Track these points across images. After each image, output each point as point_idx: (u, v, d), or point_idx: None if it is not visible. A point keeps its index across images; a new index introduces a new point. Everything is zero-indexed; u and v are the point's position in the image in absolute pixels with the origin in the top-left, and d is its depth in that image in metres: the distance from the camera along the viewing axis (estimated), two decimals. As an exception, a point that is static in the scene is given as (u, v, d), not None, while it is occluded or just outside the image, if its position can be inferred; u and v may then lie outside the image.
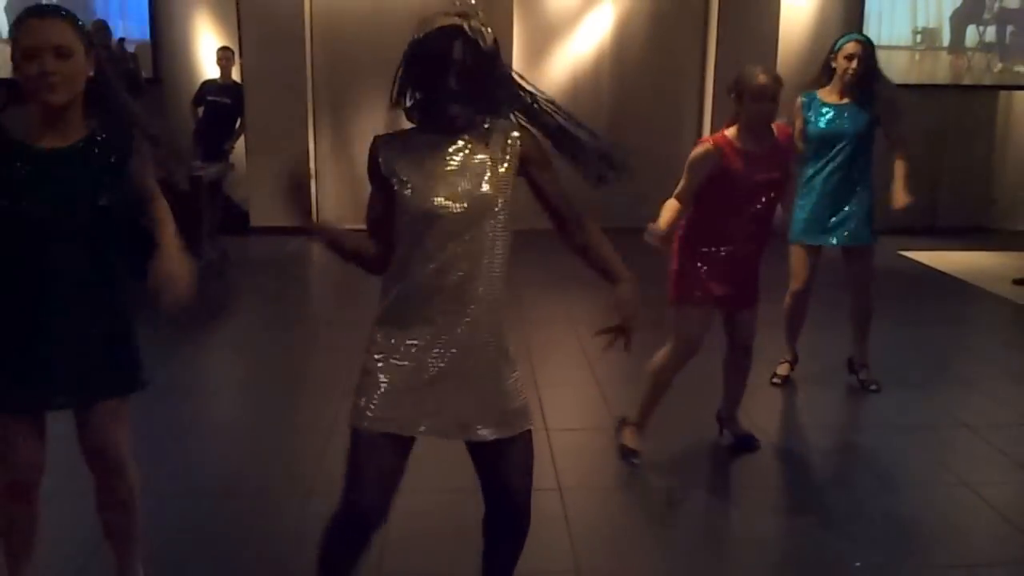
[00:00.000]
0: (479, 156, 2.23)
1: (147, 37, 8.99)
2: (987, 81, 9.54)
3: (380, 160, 2.28)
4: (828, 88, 4.53)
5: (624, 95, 9.18)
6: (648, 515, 3.49)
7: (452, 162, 2.22)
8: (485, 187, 2.21)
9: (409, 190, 2.21)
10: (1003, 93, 9.69)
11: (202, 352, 5.53)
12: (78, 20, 2.24)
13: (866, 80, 4.43)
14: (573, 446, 4.05)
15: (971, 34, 9.40)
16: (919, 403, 4.61)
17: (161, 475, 3.69)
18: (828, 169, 4.49)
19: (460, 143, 2.23)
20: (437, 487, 3.60)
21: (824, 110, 4.49)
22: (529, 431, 2.38)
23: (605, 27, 9.10)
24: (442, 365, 2.26)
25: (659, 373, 3.78)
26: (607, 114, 9.21)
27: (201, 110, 8.68)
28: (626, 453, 3.84)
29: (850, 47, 4.43)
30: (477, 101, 2.21)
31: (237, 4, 8.76)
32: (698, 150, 3.62)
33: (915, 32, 9.31)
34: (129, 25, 9.00)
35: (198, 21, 9.07)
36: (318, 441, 3.99)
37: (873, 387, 4.69)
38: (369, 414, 2.29)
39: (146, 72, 8.72)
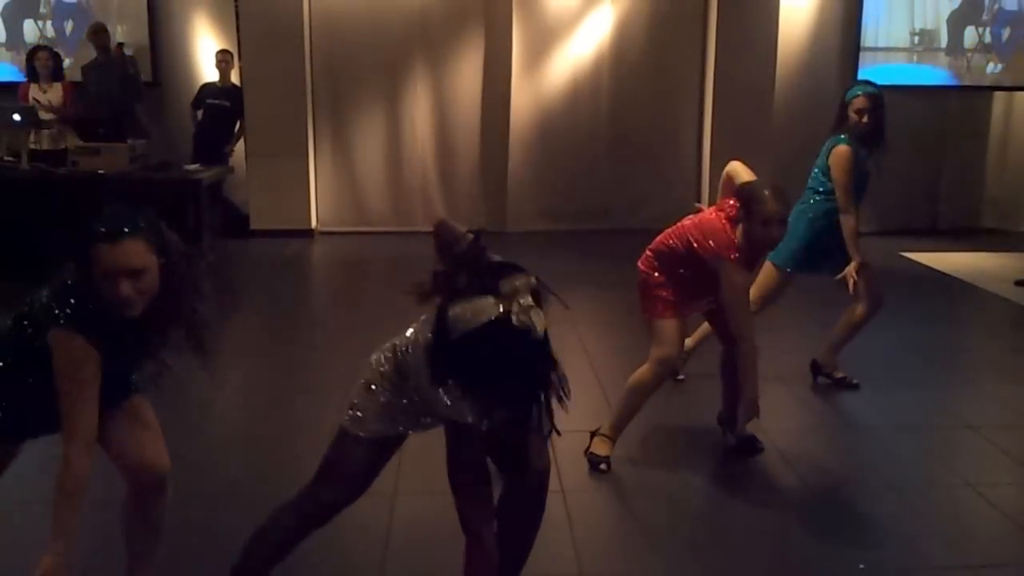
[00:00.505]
0: None
1: (146, 40, 8.97)
2: (986, 82, 9.55)
3: None
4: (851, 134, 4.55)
5: (623, 97, 9.17)
6: (651, 517, 3.47)
7: None
8: None
9: None
10: (1003, 94, 9.69)
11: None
12: (150, 232, 2.21)
13: (878, 130, 4.52)
14: (576, 448, 4.03)
15: (969, 35, 9.40)
16: (922, 404, 4.60)
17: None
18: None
19: None
20: (438, 490, 3.58)
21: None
22: None
23: (604, 29, 9.10)
24: None
25: (641, 390, 3.83)
26: (606, 117, 9.22)
27: (200, 113, 8.68)
28: (595, 460, 3.83)
29: (858, 102, 4.49)
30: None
31: (236, 7, 8.76)
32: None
33: (912, 34, 9.31)
34: (127, 28, 9.00)
35: (197, 24, 9.07)
36: (319, 444, 3.96)
37: (854, 381, 4.77)
38: (369, 426, 2.44)
39: (145, 76, 8.71)
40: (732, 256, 3.49)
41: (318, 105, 9.06)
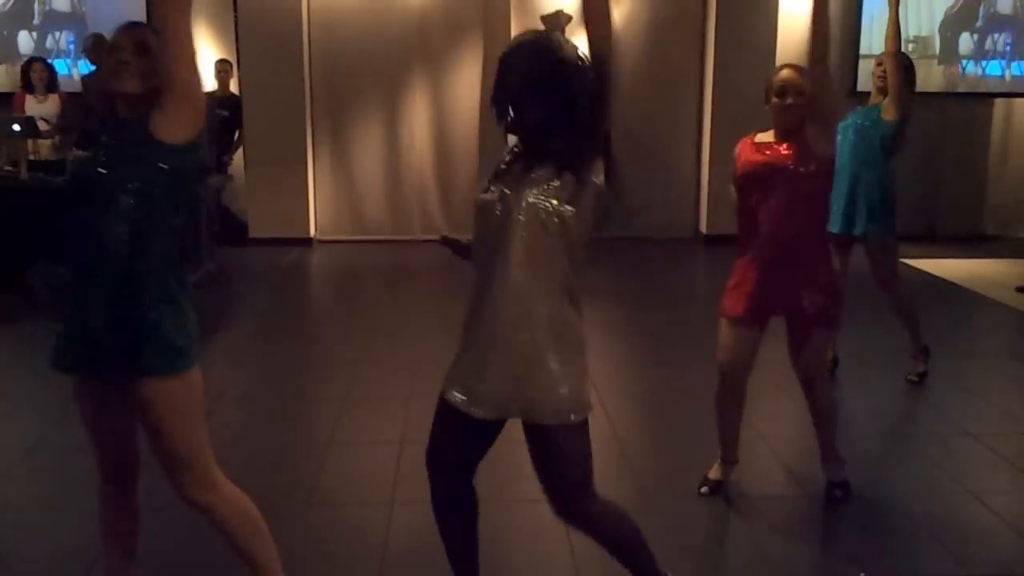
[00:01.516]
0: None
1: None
2: (982, 88, 9.55)
3: None
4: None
5: (622, 105, 9.08)
6: (649, 525, 3.45)
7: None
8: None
9: None
10: (1003, 101, 9.69)
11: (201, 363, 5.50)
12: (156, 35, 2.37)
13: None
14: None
15: (964, 41, 9.41)
16: (922, 411, 4.58)
17: (160, 487, 3.66)
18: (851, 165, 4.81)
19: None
20: (428, 499, 3.57)
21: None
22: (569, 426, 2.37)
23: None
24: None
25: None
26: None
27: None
28: (701, 482, 3.70)
29: (877, 58, 5.02)
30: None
31: (235, 17, 8.78)
32: None
33: (907, 41, 9.30)
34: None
35: (196, 34, 8.94)
36: (316, 453, 3.97)
37: (912, 378, 4.92)
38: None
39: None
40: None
41: (317, 114, 9.07)
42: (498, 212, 2.26)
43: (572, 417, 2.35)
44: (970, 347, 5.88)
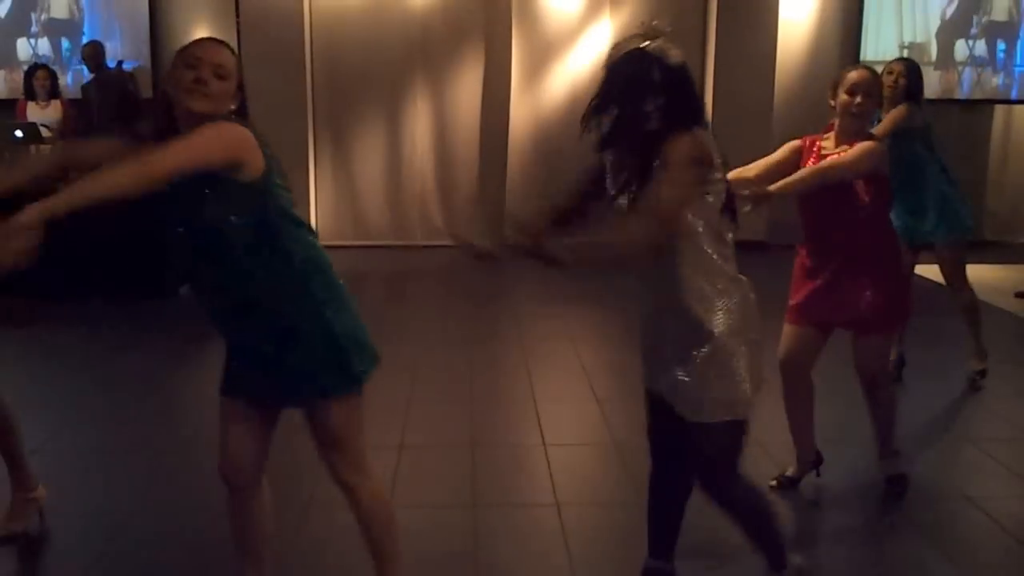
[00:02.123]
0: None
1: (148, 57, 9.02)
2: (977, 95, 9.54)
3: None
4: None
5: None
6: (645, 531, 3.45)
7: None
8: None
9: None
10: (1003, 107, 9.69)
11: (202, 369, 5.51)
12: (239, 60, 2.45)
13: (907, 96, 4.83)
14: (571, 461, 4.02)
15: (960, 48, 9.41)
16: (921, 417, 4.57)
17: (161, 492, 3.67)
18: None
19: None
20: (431, 503, 3.58)
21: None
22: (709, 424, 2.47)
23: (604, 45, 9.10)
24: None
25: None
26: (606, 130, 9.22)
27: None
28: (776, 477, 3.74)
29: (888, 65, 4.94)
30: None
31: (237, 22, 8.80)
32: None
33: (902, 47, 9.31)
34: (128, 45, 9.05)
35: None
36: (315, 457, 3.95)
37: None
38: None
39: (147, 92, 8.74)
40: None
41: (318, 120, 9.09)
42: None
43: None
44: (968, 353, 5.86)
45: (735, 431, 2.50)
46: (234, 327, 2.43)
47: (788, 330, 3.52)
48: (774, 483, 3.67)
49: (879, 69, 4.82)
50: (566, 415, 4.63)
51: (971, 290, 5.04)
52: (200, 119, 2.27)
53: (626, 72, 2.35)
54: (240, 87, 2.41)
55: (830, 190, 3.28)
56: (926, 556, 3.25)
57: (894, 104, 4.69)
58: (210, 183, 2.23)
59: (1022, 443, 4.30)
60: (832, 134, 3.45)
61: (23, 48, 9.10)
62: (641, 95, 2.32)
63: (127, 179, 2.10)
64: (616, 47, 2.42)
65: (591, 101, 2.42)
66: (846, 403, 4.28)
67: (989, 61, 9.48)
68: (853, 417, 4.56)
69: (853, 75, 3.37)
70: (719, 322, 2.41)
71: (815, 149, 3.47)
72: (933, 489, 3.80)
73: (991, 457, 4.10)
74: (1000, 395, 4.95)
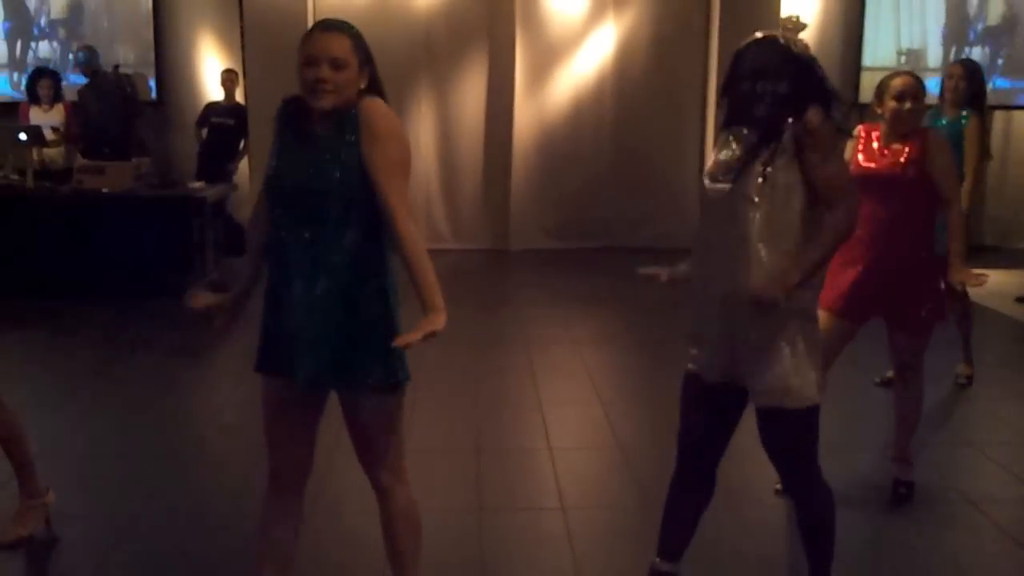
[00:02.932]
0: None
1: (152, 60, 9.06)
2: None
3: None
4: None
5: (626, 116, 9.21)
6: (651, 536, 3.47)
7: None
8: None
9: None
10: (1003, 112, 9.71)
11: (207, 374, 5.54)
12: (359, 38, 2.45)
13: (973, 97, 4.97)
14: (576, 465, 4.05)
15: (958, 55, 9.42)
16: (922, 420, 4.59)
17: (171, 496, 3.70)
18: None
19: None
20: (440, 507, 3.60)
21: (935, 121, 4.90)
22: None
23: (607, 48, 9.15)
24: None
25: None
26: (609, 135, 9.25)
27: (205, 132, 8.74)
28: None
29: (949, 69, 5.09)
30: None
31: (241, 26, 8.83)
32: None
33: (899, 53, 9.35)
34: (132, 49, 9.09)
35: (202, 44, 9.13)
36: (319, 461, 3.97)
37: (962, 381, 5.09)
38: None
39: (150, 95, 8.80)
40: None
41: (322, 123, 9.11)
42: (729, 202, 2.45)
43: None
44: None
45: (815, 417, 2.54)
46: (317, 283, 2.34)
47: (824, 317, 3.45)
48: (778, 487, 3.69)
49: (879, 77, 4.87)
50: (571, 419, 4.65)
51: (967, 296, 5.06)
52: (330, 113, 2.34)
53: (760, 59, 2.45)
54: (366, 63, 2.43)
55: (890, 190, 3.43)
56: (926, 559, 3.27)
57: (956, 107, 4.89)
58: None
59: (1022, 447, 4.33)
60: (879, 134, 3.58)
61: (23, 51, 9.14)
62: (770, 79, 2.43)
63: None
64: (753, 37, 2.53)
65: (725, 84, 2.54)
66: (850, 409, 4.32)
67: (987, 67, 9.51)
68: (856, 420, 4.60)
69: (897, 82, 3.51)
70: (801, 300, 2.47)
71: (873, 137, 3.58)
72: (934, 491, 3.82)
73: (992, 460, 4.13)
74: (1000, 398, 4.98)
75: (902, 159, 3.45)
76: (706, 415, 2.67)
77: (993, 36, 9.51)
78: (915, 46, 9.38)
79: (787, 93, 2.42)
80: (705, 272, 2.56)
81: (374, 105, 2.38)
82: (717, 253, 2.51)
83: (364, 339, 2.39)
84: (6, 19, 9.09)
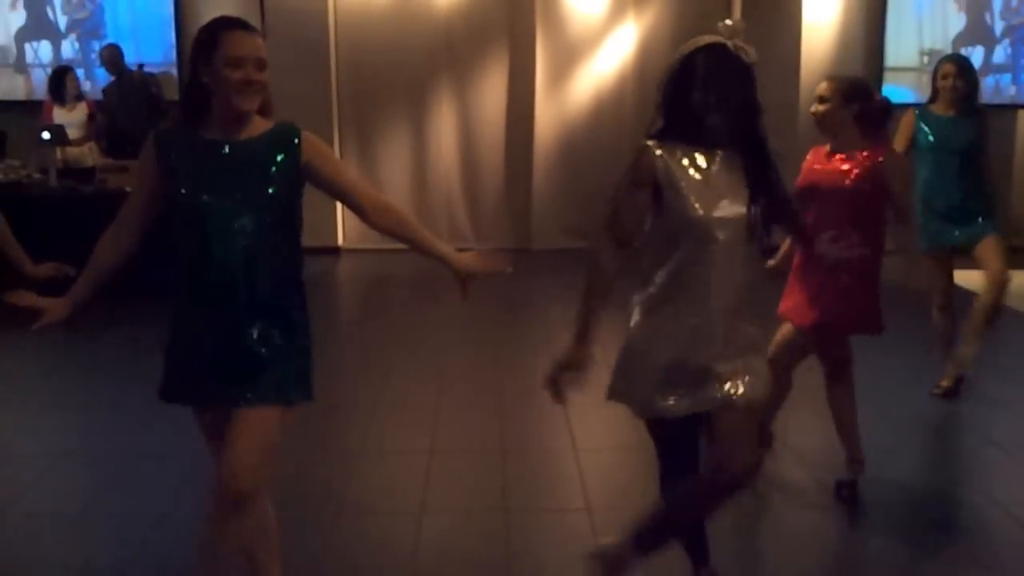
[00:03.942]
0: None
1: (173, 60, 9.11)
2: (998, 101, 9.49)
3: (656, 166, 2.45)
4: (937, 104, 4.80)
5: (647, 115, 9.03)
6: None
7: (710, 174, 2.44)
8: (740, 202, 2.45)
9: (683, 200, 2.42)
10: (1021, 112, 9.66)
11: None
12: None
13: (969, 96, 4.73)
14: (602, 466, 4.04)
15: (978, 55, 9.37)
16: (948, 422, 4.57)
17: (195, 496, 3.71)
18: (942, 178, 4.70)
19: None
20: (464, 508, 3.61)
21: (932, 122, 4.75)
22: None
23: (628, 47, 9.13)
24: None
25: None
26: (630, 134, 9.21)
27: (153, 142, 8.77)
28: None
29: (944, 67, 4.76)
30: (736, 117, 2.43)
31: (262, 26, 8.85)
32: None
33: (922, 53, 9.29)
34: (153, 49, 9.14)
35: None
36: (345, 462, 4.00)
37: (936, 391, 4.86)
38: None
39: (173, 95, 8.82)
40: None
41: (344, 123, 9.14)
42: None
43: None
44: (995, 358, 5.84)
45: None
46: (244, 308, 2.37)
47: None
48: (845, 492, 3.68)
49: (902, 78, 4.83)
50: (596, 419, 4.63)
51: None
52: (248, 114, 2.35)
53: (711, 72, 2.42)
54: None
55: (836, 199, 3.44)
56: (953, 560, 3.25)
57: (954, 105, 4.71)
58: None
59: (1051, 449, 4.29)
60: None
61: (45, 51, 9.20)
62: (724, 92, 2.42)
63: None
64: (687, 43, 2.53)
65: (664, 98, 2.52)
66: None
67: (1010, 67, 9.45)
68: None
69: (821, 86, 3.54)
70: None
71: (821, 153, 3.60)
72: (961, 493, 3.80)
73: (1020, 462, 4.09)
74: (1025, 400, 4.94)
75: (840, 165, 3.47)
76: (688, 447, 2.67)
77: (1015, 35, 9.44)
78: (938, 46, 9.31)
79: (739, 105, 2.42)
80: (712, 304, 2.48)
81: (309, 134, 2.48)
82: (725, 279, 2.48)
83: (292, 355, 2.48)
84: (28, 18, 9.15)
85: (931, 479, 3.96)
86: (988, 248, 4.74)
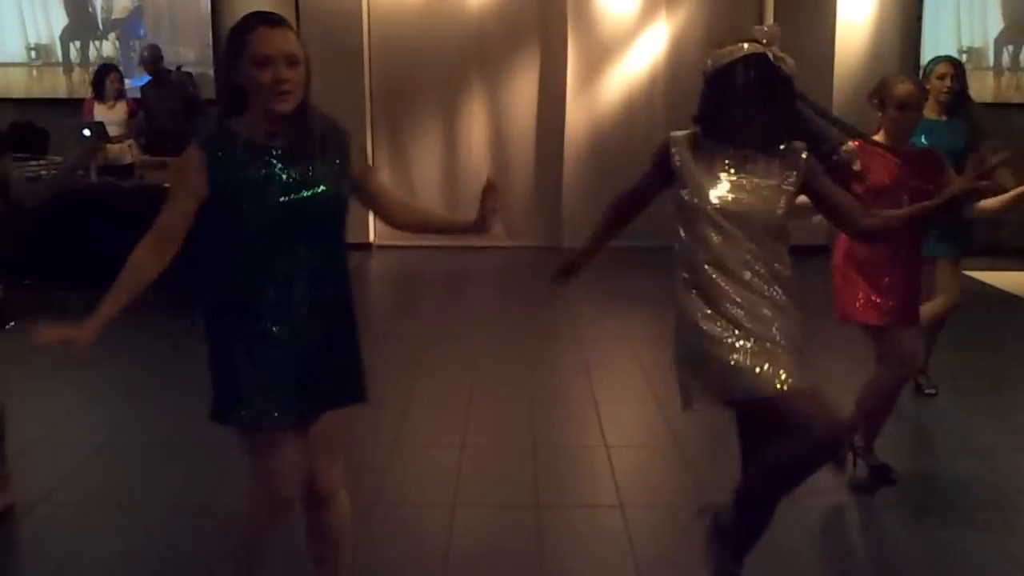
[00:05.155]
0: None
1: (210, 60, 9.23)
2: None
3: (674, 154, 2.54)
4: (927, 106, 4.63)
5: (678, 114, 9.06)
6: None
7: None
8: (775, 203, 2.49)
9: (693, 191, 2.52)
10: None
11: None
12: (295, 31, 2.29)
13: (960, 98, 4.64)
14: (633, 462, 4.05)
15: (1020, 52, 9.26)
16: (984, 425, 4.53)
17: (228, 489, 3.76)
18: None
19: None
20: (497, 502, 3.63)
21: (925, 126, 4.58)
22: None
23: (659, 46, 9.12)
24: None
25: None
26: (661, 133, 9.06)
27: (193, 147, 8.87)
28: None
29: (941, 68, 4.66)
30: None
31: (296, 26, 8.93)
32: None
33: (960, 52, 9.18)
34: (191, 50, 9.27)
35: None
36: (379, 455, 4.04)
37: (930, 391, 4.78)
38: None
39: (210, 93, 8.93)
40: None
41: (376, 121, 9.21)
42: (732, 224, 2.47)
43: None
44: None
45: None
46: (316, 322, 2.32)
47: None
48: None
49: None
50: (627, 416, 4.66)
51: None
52: (286, 115, 2.22)
53: (749, 80, 2.43)
54: (306, 56, 2.25)
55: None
56: (990, 563, 3.23)
57: (947, 108, 4.63)
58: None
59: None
60: (881, 135, 3.63)
61: (90, 50, 9.35)
62: (763, 100, 2.44)
63: None
64: (722, 51, 2.50)
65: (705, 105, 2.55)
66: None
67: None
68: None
69: (901, 90, 3.51)
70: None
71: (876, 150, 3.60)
72: (995, 497, 3.76)
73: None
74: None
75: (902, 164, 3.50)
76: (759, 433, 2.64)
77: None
78: (976, 44, 9.22)
79: (777, 116, 2.43)
80: (742, 295, 2.50)
81: (355, 139, 2.44)
82: (756, 273, 2.51)
83: (358, 359, 2.50)
84: (71, 18, 9.31)
85: (964, 482, 3.92)
86: (950, 271, 4.71)
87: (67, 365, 5.45)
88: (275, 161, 2.24)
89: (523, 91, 9.20)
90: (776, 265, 2.53)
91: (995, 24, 9.24)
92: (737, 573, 2.78)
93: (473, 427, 4.40)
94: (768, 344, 2.45)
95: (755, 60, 2.42)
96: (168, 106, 8.33)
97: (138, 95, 8.52)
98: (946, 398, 4.80)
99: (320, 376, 2.35)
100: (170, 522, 3.46)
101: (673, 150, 2.58)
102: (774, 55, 2.43)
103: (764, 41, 2.45)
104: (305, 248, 2.28)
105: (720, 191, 2.49)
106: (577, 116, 9.15)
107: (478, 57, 9.13)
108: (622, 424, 4.51)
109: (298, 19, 8.89)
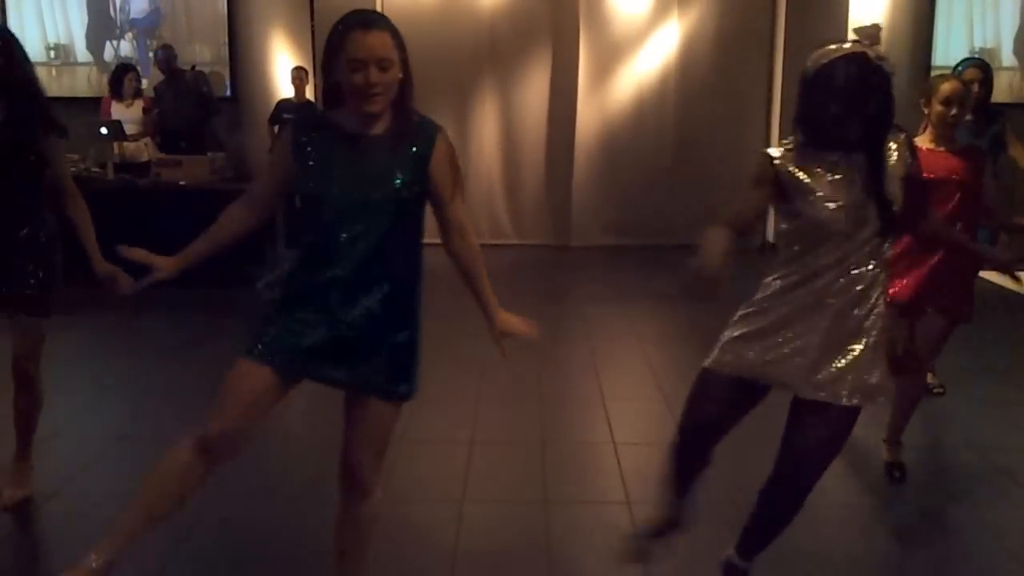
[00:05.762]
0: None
1: (226, 58, 9.31)
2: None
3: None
4: None
5: (689, 113, 9.19)
6: (720, 531, 3.49)
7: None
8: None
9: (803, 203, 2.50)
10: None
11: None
12: (395, 30, 2.35)
13: (986, 102, 4.77)
14: (641, 460, 4.08)
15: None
16: (995, 423, 4.55)
17: (240, 478, 3.81)
18: None
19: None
20: (505, 498, 3.67)
21: None
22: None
23: (671, 46, 9.14)
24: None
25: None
26: (672, 132, 9.24)
27: (278, 128, 8.94)
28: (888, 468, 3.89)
29: (970, 72, 4.71)
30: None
31: (312, 25, 9.00)
32: None
33: (973, 51, 9.15)
34: (207, 48, 9.34)
35: (274, 43, 9.33)
36: (389, 451, 4.05)
37: (938, 390, 4.81)
38: None
39: (224, 92, 9.03)
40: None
41: (388, 120, 9.26)
42: (842, 225, 2.45)
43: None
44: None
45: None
46: (373, 291, 2.44)
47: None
48: (897, 475, 3.85)
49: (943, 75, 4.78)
50: (635, 414, 4.69)
51: None
52: (376, 115, 2.31)
53: (849, 83, 2.42)
54: (404, 55, 2.34)
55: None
56: (998, 559, 3.25)
57: (974, 112, 4.62)
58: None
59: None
60: (927, 135, 3.69)
61: (105, 49, 9.45)
62: (862, 105, 2.43)
63: None
64: (821, 51, 2.52)
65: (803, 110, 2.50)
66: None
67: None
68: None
69: (946, 87, 3.58)
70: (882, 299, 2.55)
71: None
72: (1007, 494, 3.78)
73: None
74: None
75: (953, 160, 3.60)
76: (723, 409, 2.78)
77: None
78: (989, 45, 9.20)
79: (873, 114, 2.42)
80: (813, 287, 2.56)
81: (447, 138, 2.45)
82: (832, 271, 2.53)
83: (409, 350, 2.55)
84: (90, 18, 9.40)
85: (977, 479, 3.94)
86: None
87: (81, 359, 5.54)
88: (358, 149, 2.32)
89: (535, 90, 9.25)
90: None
91: (1008, 24, 9.21)
92: (746, 569, 2.82)
93: (482, 423, 4.44)
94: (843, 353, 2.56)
95: (855, 58, 2.43)
96: (182, 106, 8.41)
97: (152, 94, 8.62)
98: (953, 397, 4.81)
99: (357, 352, 2.44)
100: (182, 518, 3.50)
101: (776, 162, 2.55)
102: (875, 55, 2.44)
103: (864, 38, 2.48)
104: (374, 236, 2.36)
105: (831, 195, 2.47)
106: (588, 115, 9.19)
107: (490, 56, 9.18)
108: (630, 421, 4.55)
109: (313, 20, 8.96)
